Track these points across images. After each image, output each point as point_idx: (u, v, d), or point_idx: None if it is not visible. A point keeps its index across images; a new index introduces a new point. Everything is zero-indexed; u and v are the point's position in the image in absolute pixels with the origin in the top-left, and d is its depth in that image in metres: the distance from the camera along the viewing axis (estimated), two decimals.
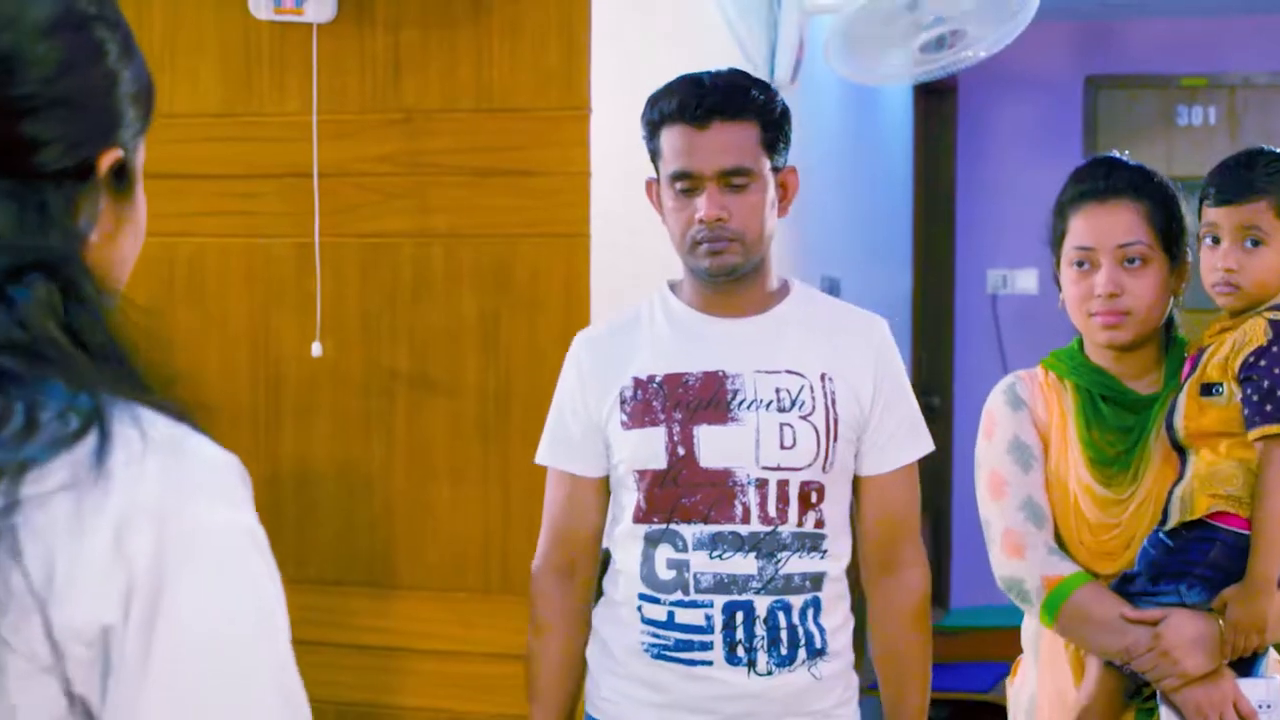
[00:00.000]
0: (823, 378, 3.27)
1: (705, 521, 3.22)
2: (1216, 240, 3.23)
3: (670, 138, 3.24)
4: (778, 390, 3.25)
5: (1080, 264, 3.33)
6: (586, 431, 3.36)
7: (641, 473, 3.27)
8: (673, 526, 3.24)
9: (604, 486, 3.40)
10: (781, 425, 3.23)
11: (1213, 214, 3.24)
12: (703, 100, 3.21)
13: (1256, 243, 3.19)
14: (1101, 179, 3.34)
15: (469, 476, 4.26)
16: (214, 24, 4.40)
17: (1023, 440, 3.38)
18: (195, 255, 4.45)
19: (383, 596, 4.32)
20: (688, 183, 3.23)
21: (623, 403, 3.30)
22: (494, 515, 4.24)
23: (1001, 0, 5.26)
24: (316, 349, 4.29)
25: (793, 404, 3.24)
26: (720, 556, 3.21)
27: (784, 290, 3.39)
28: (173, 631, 1.34)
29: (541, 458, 3.45)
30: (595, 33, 4.17)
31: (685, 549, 3.23)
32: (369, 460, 4.34)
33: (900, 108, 8.58)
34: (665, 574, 3.25)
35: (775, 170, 3.28)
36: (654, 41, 4.65)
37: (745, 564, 3.21)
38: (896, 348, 3.39)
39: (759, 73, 5.04)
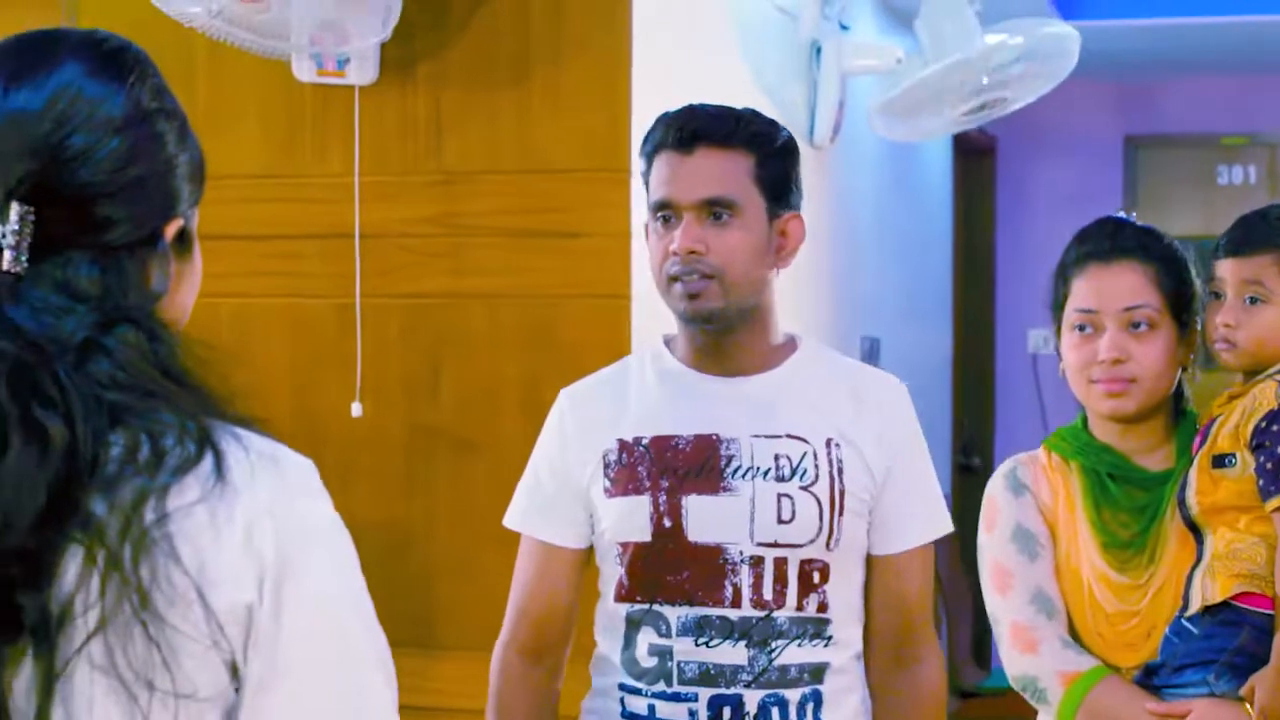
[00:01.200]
0: (828, 444, 2.92)
1: (691, 603, 2.87)
2: (1219, 295, 3.08)
3: (657, 166, 2.95)
4: (777, 457, 2.90)
5: (1082, 328, 3.11)
6: (565, 496, 3.02)
7: (624, 545, 2.93)
8: (656, 607, 2.90)
9: (580, 560, 3.05)
10: (780, 496, 2.88)
11: (1220, 267, 3.10)
12: (688, 124, 2.93)
13: (1255, 299, 3.03)
14: (1107, 239, 3.14)
15: (510, 537, 4.25)
16: (257, 86, 4.43)
17: (1027, 528, 3.13)
18: (238, 315, 4.47)
19: (425, 657, 4.32)
20: (667, 211, 2.92)
21: (606, 467, 2.96)
22: None
23: (1046, 62, 5.28)
24: (357, 409, 4.30)
25: (793, 472, 2.89)
26: (707, 644, 2.86)
27: (790, 347, 3.05)
28: (298, 602, 1.67)
29: (511, 521, 3.12)
30: (636, 94, 4.19)
31: (669, 634, 2.88)
32: (410, 520, 4.35)
33: (940, 168, 8.58)
34: (647, 661, 2.91)
35: (774, 214, 2.95)
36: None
37: (734, 653, 2.85)
38: (915, 415, 3.07)
39: (797, 133, 5.06)
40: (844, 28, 5.78)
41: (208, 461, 1.67)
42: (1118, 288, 3.09)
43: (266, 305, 4.47)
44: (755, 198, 2.92)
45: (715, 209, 2.89)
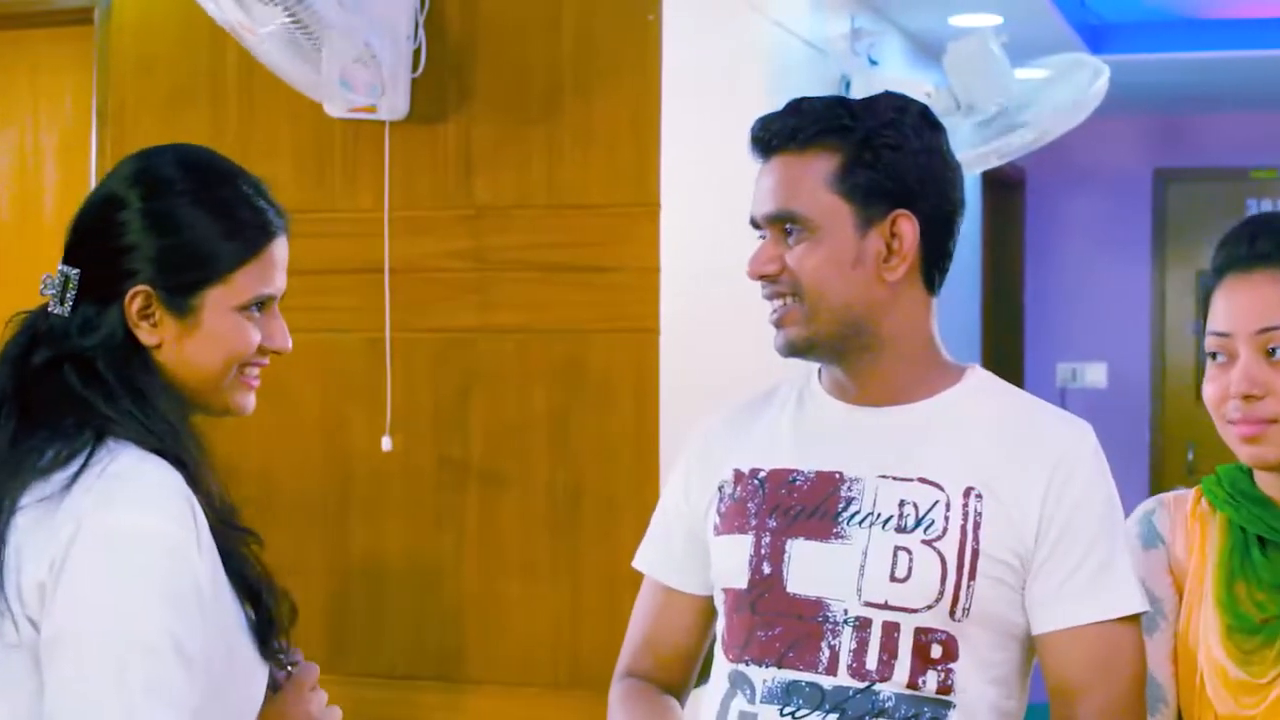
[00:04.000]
0: (967, 493, 2.41)
1: (780, 665, 2.43)
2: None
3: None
4: (902, 504, 2.42)
5: (1215, 355, 2.47)
6: (688, 535, 2.62)
7: (726, 591, 2.53)
8: (743, 668, 2.47)
9: (703, 606, 2.64)
10: (896, 549, 2.40)
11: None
12: (765, 129, 2.53)
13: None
14: (1245, 243, 2.48)
15: (540, 571, 4.26)
16: (288, 121, 4.45)
17: (1151, 591, 2.50)
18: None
19: (453, 690, 4.32)
20: (758, 231, 2.54)
21: (720, 501, 2.56)
22: (564, 610, 4.23)
23: (1075, 102, 5.29)
24: (387, 443, 4.31)
25: (917, 523, 2.41)
26: (793, 714, 2.41)
27: (953, 377, 2.54)
28: (66, 589, 2.02)
29: (637, 561, 2.73)
30: (665, 130, 4.19)
31: (754, 699, 2.45)
32: (439, 554, 4.35)
33: (969, 200, 8.55)
34: None
35: (869, 219, 2.45)
36: (723, 139, 4.67)
37: None
38: (1104, 471, 2.48)
39: None
40: (873, 63, 5.80)
41: (74, 468, 2.07)
42: (1252, 305, 2.43)
43: (297, 340, 4.40)
44: (832, 204, 2.45)
45: (785, 224, 2.48)
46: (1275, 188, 9.26)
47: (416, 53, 4.29)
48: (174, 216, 2.19)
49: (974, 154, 5.50)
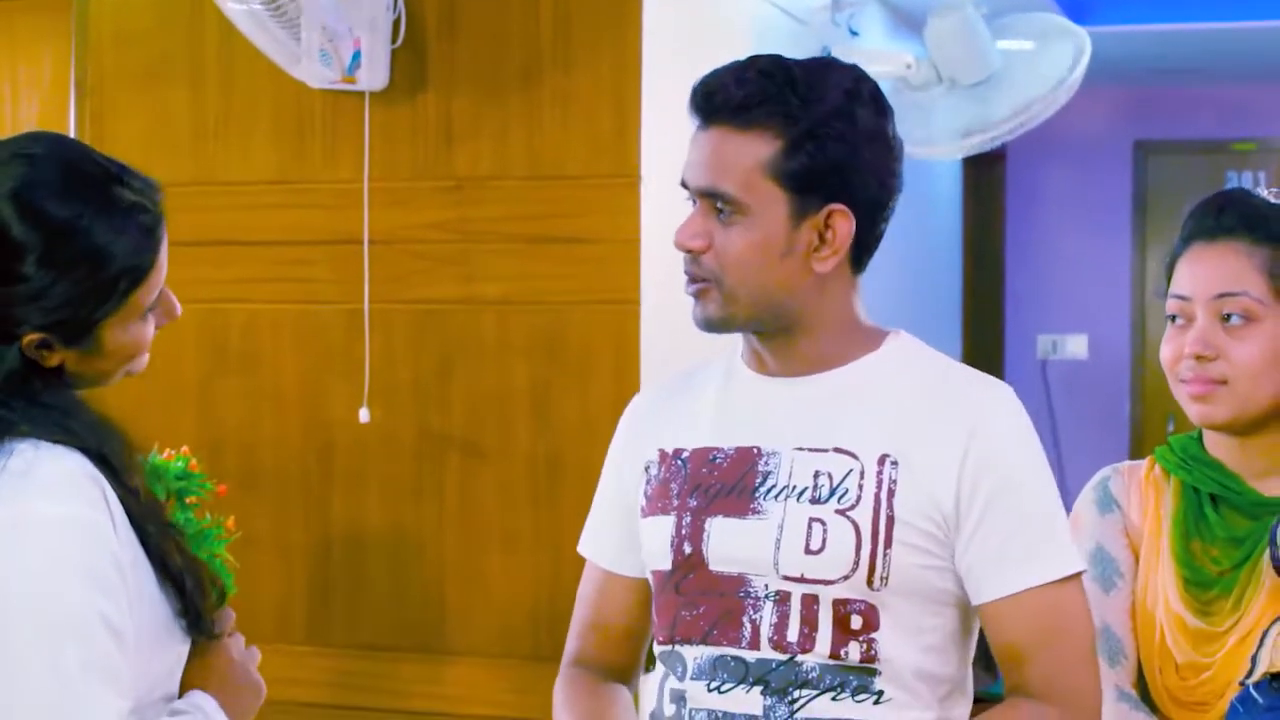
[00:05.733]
0: (881, 461, 2.36)
1: (705, 641, 2.40)
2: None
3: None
4: (816, 474, 2.37)
5: (1174, 318, 2.60)
6: (623, 517, 2.58)
7: (654, 573, 2.50)
8: (676, 648, 2.43)
9: (642, 588, 2.59)
10: (811, 521, 2.35)
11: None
12: (710, 90, 2.40)
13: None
14: (1213, 214, 2.59)
15: (520, 543, 4.27)
16: (268, 92, 4.44)
17: (1108, 552, 2.62)
18: (248, 321, 4.48)
19: (434, 662, 4.32)
20: (687, 193, 2.44)
21: (647, 482, 2.53)
22: (545, 582, 4.23)
23: (1059, 80, 5.27)
24: (364, 414, 4.31)
25: (831, 493, 2.36)
26: (719, 689, 2.38)
27: (872, 344, 2.47)
28: None
29: (580, 545, 2.70)
30: (646, 100, 4.19)
31: (684, 677, 2.42)
32: (419, 526, 4.35)
33: (949, 174, 8.57)
34: (668, 709, 2.45)
35: (803, 211, 2.36)
36: None
37: (747, 700, 2.37)
38: (1026, 429, 2.43)
39: None
40: (853, 33, 5.78)
41: None
42: (1213, 271, 2.56)
43: (276, 311, 4.47)
44: (766, 190, 2.35)
45: (716, 202, 2.37)
46: (1255, 160, 9.27)
47: (396, 24, 4.28)
48: (75, 262, 2.10)
49: (960, 144, 5.48)
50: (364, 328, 4.35)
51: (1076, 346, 9.15)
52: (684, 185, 2.42)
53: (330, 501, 4.43)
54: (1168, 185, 9.31)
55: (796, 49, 5.48)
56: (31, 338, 2.10)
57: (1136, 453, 8.80)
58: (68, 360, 2.15)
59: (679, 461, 2.48)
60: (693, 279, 2.40)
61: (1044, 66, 5.42)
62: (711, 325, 2.41)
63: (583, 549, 2.67)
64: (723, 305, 2.38)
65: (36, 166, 2.11)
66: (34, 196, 2.09)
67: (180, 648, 2.19)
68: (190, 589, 2.16)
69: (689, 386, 2.57)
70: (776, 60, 2.41)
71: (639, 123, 4.18)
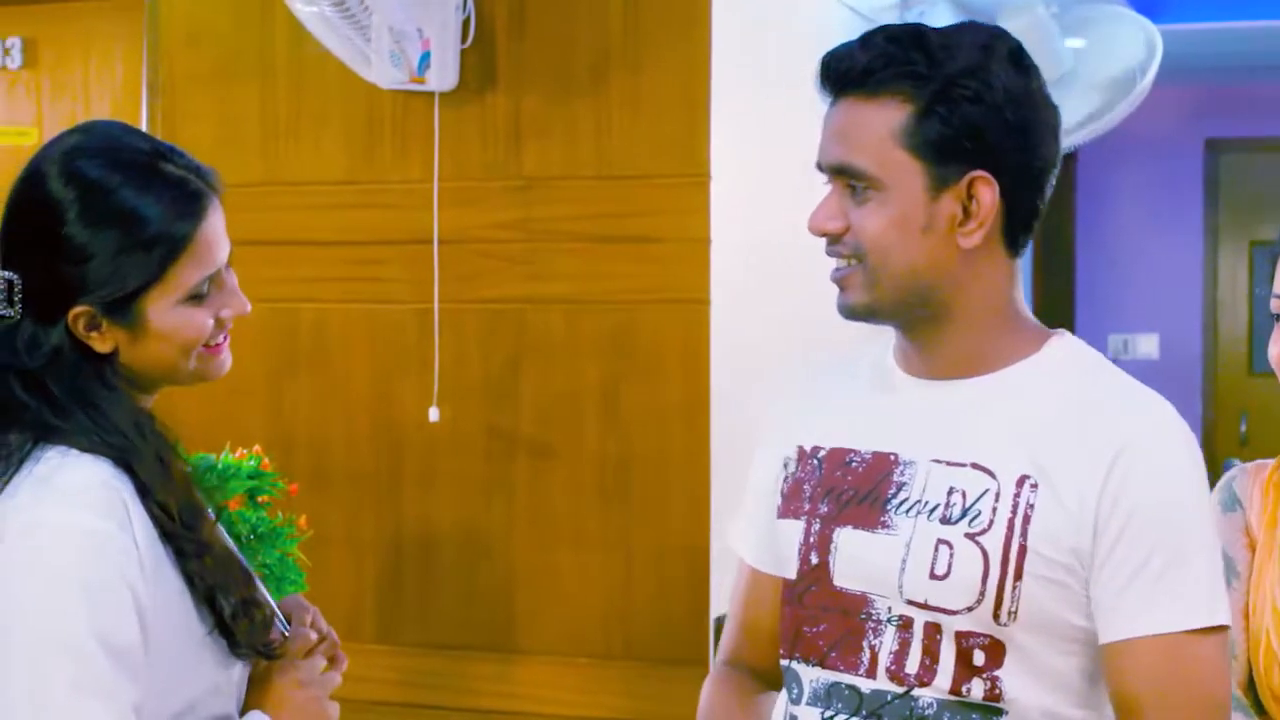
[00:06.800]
0: (1021, 482, 2.13)
1: (823, 664, 2.23)
2: None
3: None
4: (950, 491, 2.16)
5: (1278, 317, 2.47)
6: (766, 511, 2.38)
7: (784, 580, 2.32)
8: (794, 664, 2.28)
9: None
10: (938, 543, 2.14)
11: None
12: (835, 63, 2.22)
13: None
14: None
15: (590, 542, 4.27)
16: (338, 93, 4.45)
17: (1226, 552, 2.43)
18: (318, 321, 4.49)
19: (504, 661, 4.33)
20: (823, 177, 2.25)
21: (784, 479, 2.35)
22: (615, 581, 4.23)
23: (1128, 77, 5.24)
24: (434, 414, 4.32)
25: (963, 514, 2.15)
26: (831, 719, 2.21)
27: (1031, 347, 2.24)
28: None
29: (730, 537, 2.54)
30: (715, 99, 4.19)
31: (799, 700, 2.26)
32: (489, 525, 4.36)
33: None
34: None
35: (943, 181, 2.16)
36: (772, 109, 4.67)
37: None
38: (1189, 460, 2.15)
39: None
40: None
41: (7, 475, 2.09)
42: None
43: (346, 310, 4.49)
44: (899, 161, 2.16)
45: (850, 179, 2.19)
46: None
47: (465, 24, 4.29)
48: (109, 222, 2.14)
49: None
50: (434, 327, 4.36)
51: (1148, 346, 9.10)
52: (819, 168, 2.24)
53: (400, 500, 4.44)
54: (1239, 183, 9.24)
55: None
56: (77, 311, 2.13)
57: (1209, 454, 8.74)
58: (120, 344, 2.16)
59: (815, 461, 2.30)
60: (840, 259, 2.21)
61: (1115, 65, 5.39)
62: (854, 313, 2.22)
63: (733, 542, 2.50)
64: (866, 290, 2.19)
65: (88, 135, 2.21)
66: (75, 159, 2.16)
67: (225, 667, 2.15)
68: (224, 607, 2.13)
69: (838, 378, 2.39)
70: (906, 25, 2.24)
71: (708, 122, 4.18)
